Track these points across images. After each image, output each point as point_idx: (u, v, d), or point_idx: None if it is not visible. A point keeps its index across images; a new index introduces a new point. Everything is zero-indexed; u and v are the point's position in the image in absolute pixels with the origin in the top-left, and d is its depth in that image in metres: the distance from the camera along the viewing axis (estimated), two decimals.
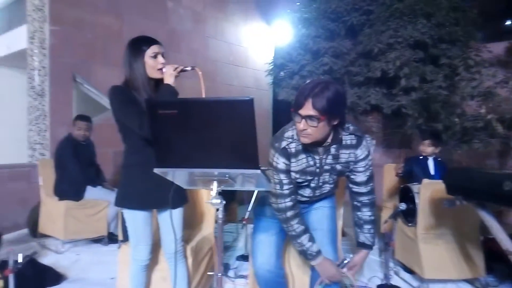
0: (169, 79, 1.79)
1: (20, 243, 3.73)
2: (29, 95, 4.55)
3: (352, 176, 1.82)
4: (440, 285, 2.81)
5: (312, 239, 1.81)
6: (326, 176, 1.82)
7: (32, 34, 4.53)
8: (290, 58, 5.46)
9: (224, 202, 1.41)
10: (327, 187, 1.89)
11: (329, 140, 1.68)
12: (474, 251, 2.72)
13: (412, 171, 3.39)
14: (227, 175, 1.38)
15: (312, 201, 1.99)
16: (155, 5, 5.70)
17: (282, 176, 1.74)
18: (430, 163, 3.38)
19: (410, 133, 4.85)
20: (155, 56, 1.83)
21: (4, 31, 6.10)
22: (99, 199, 3.66)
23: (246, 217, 3.25)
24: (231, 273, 3.00)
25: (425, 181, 2.72)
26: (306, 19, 5.60)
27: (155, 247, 2.06)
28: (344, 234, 4.15)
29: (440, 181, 2.24)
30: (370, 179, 1.82)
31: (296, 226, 1.79)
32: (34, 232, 3.79)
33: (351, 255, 1.88)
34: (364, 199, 1.84)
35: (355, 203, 1.87)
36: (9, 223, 4.09)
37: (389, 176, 3.76)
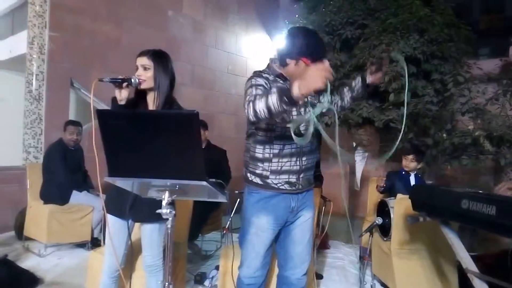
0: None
1: (5, 245, 3.78)
2: (26, 99, 4.65)
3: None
4: None
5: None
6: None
7: (32, 40, 4.64)
8: None
9: (174, 212, 1.44)
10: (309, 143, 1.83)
11: None
12: (448, 268, 2.71)
13: (394, 186, 3.40)
14: (177, 186, 1.41)
15: (299, 184, 1.87)
16: (155, 13, 5.81)
17: (259, 87, 1.72)
18: (412, 179, 3.39)
19: (400, 147, 4.87)
20: (137, 69, 1.91)
21: (7, 36, 6.27)
22: (84, 204, 3.72)
23: (226, 226, 3.27)
24: (206, 282, 3.02)
25: (400, 196, 2.73)
26: None
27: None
28: (328, 247, 4.16)
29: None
30: None
31: (271, 95, 1.52)
32: (20, 234, 3.85)
33: None
34: None
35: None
36: None
37: (374, 189, 3.76)
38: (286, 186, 1.84)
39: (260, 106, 1.54)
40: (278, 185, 1.83)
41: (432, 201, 1.99)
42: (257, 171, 1.85)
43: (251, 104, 1.57)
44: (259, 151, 1.85)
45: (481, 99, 4.39)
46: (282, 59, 1.80)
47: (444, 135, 4.25)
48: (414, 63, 4.61)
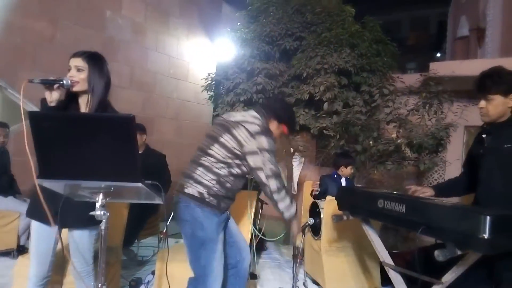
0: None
1: None
2: None
3: None
4: None
5: None
6: None
7: None
8: (225, 75, 5.63)
9: (107, 213, 1.46)
10: None
11: None
12: (371, 264, 2.97)
13: (328, 189, 3.63)
14: (112, 187, 1.44)
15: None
16: (92, 12, 5.63)
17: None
18: (343, 182, 3.65)
19: (333, 153, 5.18)
20: (70, 69, 1.86)
21: None
22: (10, 209, 3.51)
23: (164, 230, 3.26)
24: (142, 287, 3.00)
25: (329, 197, 2.94)
26: (244, 40, 5.81)
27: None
28: (264, 248, 4.30)
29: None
30: None
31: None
32: None
33: None
34: None
35: None
36: None
37: (309, 192, 3.97)
38: (225, 209, 2.10)
39: (287, 203, 2.06)
40: (224, 207, 2.06)
41: (354, 201, 2.19)
42: (219, 194, 2.00)
43: (283, 193, 2.03)
44: (232, 182, 2.04)
45: (404, 110, 4.82)
46: (272, 114, 2.14)
47: (371, 142, 4.60)
48: (346, 75, 4.94)
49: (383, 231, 3.95)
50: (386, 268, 2.14)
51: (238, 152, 1.98)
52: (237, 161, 2.00)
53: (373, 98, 4.80)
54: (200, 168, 2.01)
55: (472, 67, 4.31)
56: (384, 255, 2.18)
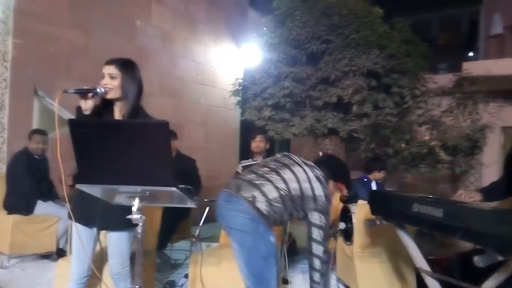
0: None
1: None
2: None
3: None
4: None
5: None
6: None
7: None
8: (253, 80, 5.65)
9: (144, 217, 1.50)
10: None
11: None
12: (406, 270, 2.88)
13: (357, 193, 3.57)
14: (147, 192, 1.47)
15: None
16: (123, 22, 5.81)
17: None
18: (373, 185, 3.58)
19: (364, 157, 5.08)
20: (103, 77, 1.91)
21: None
22: (50, 214, 3.66)
23: (196, 234, 3.31)
24: None
25: (361, 202, 2.89)
26: (271, 44, 5.83)
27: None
28: (296, 253, 4.27)
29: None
30: None
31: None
32: None
33: None
34: None
35: None
36: None
37: (337, 196, 3.92)
38: None
39: (323, 249, 2.05)
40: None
41: (387, 205, 2.15)
42: (277, 219, 2.06)
43: (327, 256, 2.09)
44: (286, 218, 2.12)
45: (437, 111, 4.69)
46: (330, 176, 2.19)
47: (403, 145, 4.49)
48: (375, 77, 4.86)
49: (418, 236, 3.84)
50: (422, 274, 2.08)
51: (307, 200, 2.05)
52: (298, 207, 2.07)
53: (404, 99, 4.69)
54: (271, 188, 2.02)
55: (509, 66, 4.15)
56: (420, 261, 2.12)
